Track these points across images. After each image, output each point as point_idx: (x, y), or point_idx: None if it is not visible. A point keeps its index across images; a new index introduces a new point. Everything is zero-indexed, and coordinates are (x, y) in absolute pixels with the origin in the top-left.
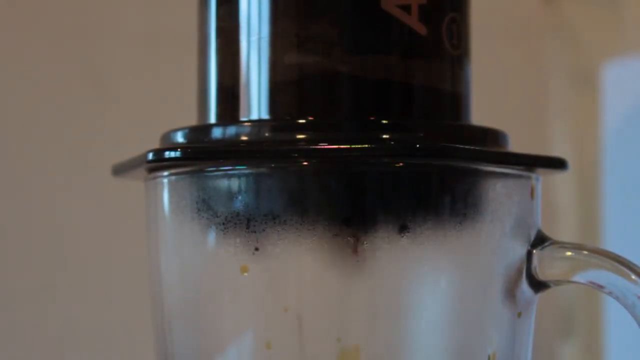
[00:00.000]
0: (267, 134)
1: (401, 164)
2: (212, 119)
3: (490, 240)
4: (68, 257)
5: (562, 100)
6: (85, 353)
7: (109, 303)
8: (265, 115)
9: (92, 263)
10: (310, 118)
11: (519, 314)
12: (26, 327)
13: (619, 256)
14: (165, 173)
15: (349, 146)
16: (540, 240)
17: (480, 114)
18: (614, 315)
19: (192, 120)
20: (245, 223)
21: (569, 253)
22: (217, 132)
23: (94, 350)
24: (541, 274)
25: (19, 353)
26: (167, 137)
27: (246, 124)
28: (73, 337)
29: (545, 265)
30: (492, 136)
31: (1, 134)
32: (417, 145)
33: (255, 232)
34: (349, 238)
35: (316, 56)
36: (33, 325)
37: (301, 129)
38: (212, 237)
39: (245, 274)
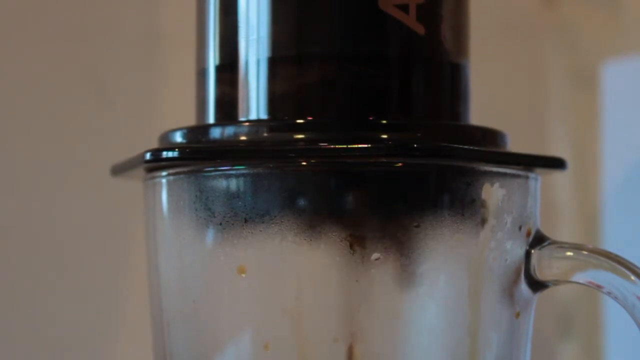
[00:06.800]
0: (265, 134)
1: (399, 164)
2: (211, 119)
3: (489, 240)
4: (67, 257)
5: (562, 100)
6: (84, 353)
7: (108, 303)
8: (263, 116)
9: (90, 263)
10: (309, 118)
11: (518, 314)
12: (26, 327)
13: (619, 256)
14: (164, 173)
15: (347, 146)
16: (539, 240)
17: (480, 114)
18: (613, 315)
19: (191, 120)
20: (243, 223)
21: (568, 253)
22: (215, 132)
23: (93, 349)
24: (540, 274)
25: (18, 353)
26: (165, 137)
27: (244, 124)
28: (72, 337)
29: (544, 265)
30: (490, 136)
31: (0, 133)
32: (415, 145)
33: (253, 232)
34: (346, 238)
35: (314, 56)
36: (32, 325)
37: (299, 129)
38: (210, 237)
39: (243, 274)
